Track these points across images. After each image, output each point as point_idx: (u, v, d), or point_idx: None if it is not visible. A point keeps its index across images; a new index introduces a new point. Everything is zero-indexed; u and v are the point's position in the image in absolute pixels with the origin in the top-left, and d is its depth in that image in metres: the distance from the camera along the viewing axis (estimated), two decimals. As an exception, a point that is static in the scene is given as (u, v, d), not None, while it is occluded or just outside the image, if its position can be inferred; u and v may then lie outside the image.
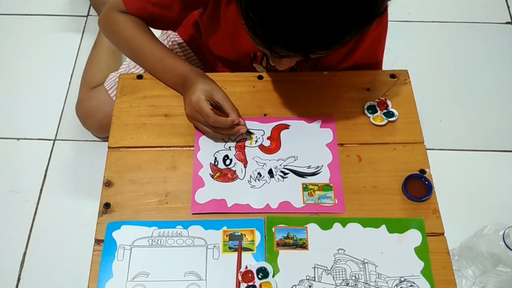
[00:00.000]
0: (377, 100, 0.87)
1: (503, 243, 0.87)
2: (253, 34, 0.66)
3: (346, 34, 0.63)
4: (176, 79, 0.87)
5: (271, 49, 0.67)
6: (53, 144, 1.39)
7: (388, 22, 1.62)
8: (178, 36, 1.17)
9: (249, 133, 0.85)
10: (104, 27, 0.95)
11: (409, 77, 0.91)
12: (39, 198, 1.31)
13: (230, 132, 0.82)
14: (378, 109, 0.86)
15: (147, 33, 0.91)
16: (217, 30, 0.94)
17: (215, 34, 0.95)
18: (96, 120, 1.27)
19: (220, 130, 0.82)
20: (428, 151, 1.35)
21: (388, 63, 1.54)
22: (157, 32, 1.22)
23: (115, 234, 0.75)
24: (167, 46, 1.15)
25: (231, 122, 0.80)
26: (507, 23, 1.65)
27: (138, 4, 0.89)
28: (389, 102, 0.87)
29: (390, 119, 0.85)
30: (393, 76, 0.91)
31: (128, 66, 1.16)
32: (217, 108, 0.82)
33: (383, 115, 0.85)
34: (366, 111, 0.86)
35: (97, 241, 0.75)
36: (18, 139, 1.40)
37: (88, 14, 1.65)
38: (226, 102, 0.82)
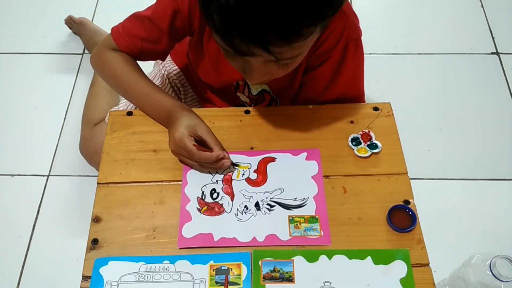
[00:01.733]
0: (360, 132, 0.89)
1: (491, 273, 0.88)
2: (213, 28, 0.67)
3: (302, 23, 0.64)
4: (162, 114, 0.90)
5: (232, 43, 0.67)
6: (47, 180, 1.40)
7: (376, 55, 1.68)
8: (174, 64, 1.20)
9: (234, 165, 0.86)
10: (95, 64, 1.00)
11: (391, 110, 0.93)
12: (32, 233, 1.31)
13: (215, 166, 0.84)
14: (362, 141, 0.88)
15: (135, 69, 0.95)
16: (202, 59, 0.98)
17: (201, 62, 0.99)
18: None
19: (205, 164, 0.83)
20: (417, 180, 1.38)
21: (376, 95, 1.58)
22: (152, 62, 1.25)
23: (103, 270, 0.76)
24: (163, 74, 1.19)
25: (215, 157, 0.82)
26: (492, 53, 1.69)
27: (128, 41, 0.93)
28: (372, 134, 0.89)
29: (374, 151, 0.87)
30: (376, 108, 0.93)
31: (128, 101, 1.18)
32: (201, 143, 0.83)
33: (366, 147, 0.87)
34: (350, 143, 0.88)
35: (85, 278, 0.76)
36: (12, 175, 1.41)
37: (83, 52, 1.69)
38: (209, 137, 0.84)
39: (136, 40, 0.93)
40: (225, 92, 1.03)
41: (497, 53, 1.69)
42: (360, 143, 0.88)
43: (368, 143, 0.88)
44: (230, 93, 1.03)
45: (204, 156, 0.81)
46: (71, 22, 1.70)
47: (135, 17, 0.95)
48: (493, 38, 1.73)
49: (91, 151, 1.30)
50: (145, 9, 0.94)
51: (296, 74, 0.95)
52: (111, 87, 1.00)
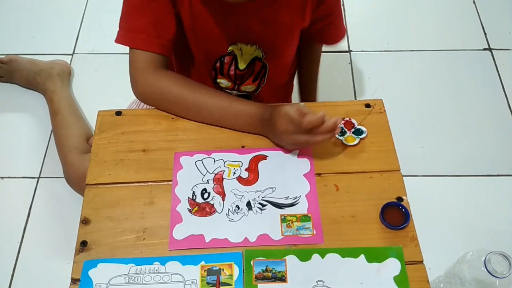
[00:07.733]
0: (342, 122, 0.87)
1: (485, 269, 0.87)
2: None
3: None
4: (252, 120, 0.86)
5: None
6: (37, 182, 1.38)
7: (368, 52, 1.67)
8: None
9: None
10: (146, 95, 0.91)
11: (383, 106, 0.92)
12: (23, 236, 1.29)
13: (325, 128, 0.79)
14: (346, 130, 0.87)
15: (198, 85, 0.90)
16: (184, 40, 0.95)
17: (185, 43, 0.96)
18: None
19: (317, 131, 0.79)
20: (411, 177, 1.37)
21: (369, 92, 1.58)
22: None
23: (92, 273, 0.74)
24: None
25: (322, 116, 0.78)
26: (484, 49, 1.69)
27: (146, 38, 0.88)
28: (354, 121, 0.88)
29: (361, 137, 0.86)
30: (368, 105, 0.92)
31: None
32: None
33: (353, 135, 0.86)
34: (336, 135, 0.86)
35: (73, 281, 0.74)
36: (2, 178, 1.39)
37: (73, 53, 1.67)
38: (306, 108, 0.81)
39: (150, 28, 0.87)
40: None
41: (490, 49, 1.69)
42: (345, 132, 0.87)
43: (353, 130, 0.87)
44: (208, 84, 1.01)
45: (311, 118, 0.77)
46: None
47: (127, 15, 0.89)
48: (485, 34, 1.73)
49: (81, 177, 1.20)
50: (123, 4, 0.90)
51: (291, 31, 0.95)
52: (173, 113, 0.91)
